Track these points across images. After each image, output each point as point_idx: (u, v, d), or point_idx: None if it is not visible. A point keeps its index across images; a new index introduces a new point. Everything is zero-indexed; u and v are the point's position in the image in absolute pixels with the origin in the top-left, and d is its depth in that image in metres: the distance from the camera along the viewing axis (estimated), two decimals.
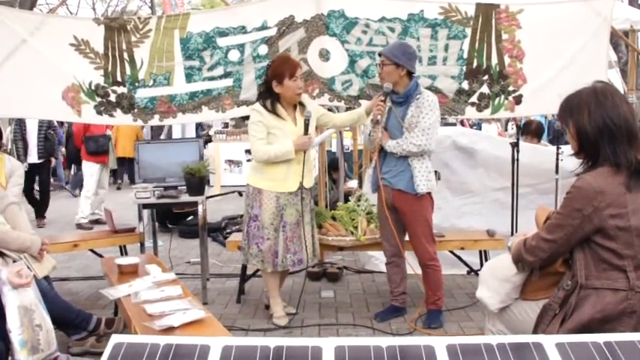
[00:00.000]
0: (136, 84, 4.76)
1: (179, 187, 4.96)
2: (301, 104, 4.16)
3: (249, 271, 4.81)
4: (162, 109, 4.81)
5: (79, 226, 8.23)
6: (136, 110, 4.80)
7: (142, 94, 4.78)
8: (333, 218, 4.70)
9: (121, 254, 4.92)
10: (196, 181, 4.73)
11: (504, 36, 4.62)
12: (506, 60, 4.66)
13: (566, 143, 4.48)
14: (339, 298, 4.82)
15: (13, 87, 4.64)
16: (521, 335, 1.87)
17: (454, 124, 9.96)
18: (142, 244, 4.89)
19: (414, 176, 3.99)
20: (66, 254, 5.69)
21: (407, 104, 4.01)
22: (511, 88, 4.68)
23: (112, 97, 4.77)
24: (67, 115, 4.85)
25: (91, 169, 8.31)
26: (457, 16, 4.60)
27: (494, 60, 4.65)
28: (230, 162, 11.82)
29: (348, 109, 4.98)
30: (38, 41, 4.64)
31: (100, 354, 1.69)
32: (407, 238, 4.24)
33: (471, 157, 5.28)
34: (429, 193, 4.08)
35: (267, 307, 4.42)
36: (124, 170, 12.39)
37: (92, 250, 5.08)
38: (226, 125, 14.69)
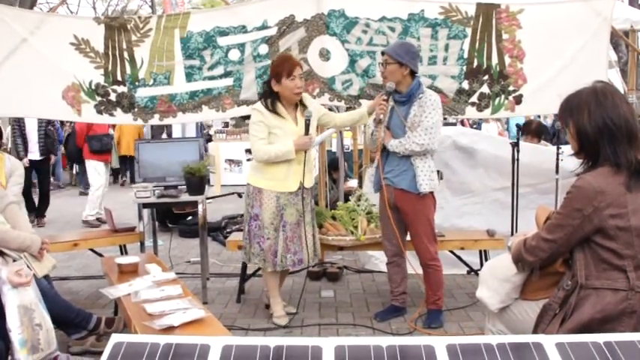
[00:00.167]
0: (136, 83, 4.76)
1: (179, 187, 4.96)
2: (303, 104, 4.15)
3: (249, 271, 4.81)
4: (163, 108, 4.81)
5: (86, 222, 8.28)
6: (136, 109, 4.80)
7: (142, 94, 4.78)
8: (333, 218, 4.70)
9: (121, 253, 4.92)
10: (196, 181, 4.73)
11: (505, 36, 4.62)
12: (507, 60, 4.66)
13: (566, 143, 4.49)
14: (339, 298, 4.82)
15: (13, 86, 4.64)
16: (521, 335, 1.87)
17: (454, 124, 9.96)
18: (142, 244, 4.89)
19: (416, 176, 3.99)
20: (66, 253, 5.69)
21: (410, 103, 4.00)
22: (511, 88, 4.68)
23: (112, 97, 4.77)
24: (68, 115, 4.85)
25: (96, 168, 8.39)
26: (457, 15, 4.60)
27: (495, 60, 4.65)
28: (230, 161, 11.83)
29: (348, 108, 4.98)
30: (38, 40, 4.64)
31: (100, 353, 1.69)
32: (408, 237, 4.24)
33: (471, 156, 5.28)
34: (432, 193, 4.08)
35: (267, 306, 4.42)
36: (127, 168, 12.43)
37: (92, 250, 5.09)
38: (226, 125, 14.70)
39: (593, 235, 2.23)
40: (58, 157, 13.00)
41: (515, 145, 4.84)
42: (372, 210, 4.69)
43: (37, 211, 8.52)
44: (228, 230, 7.03)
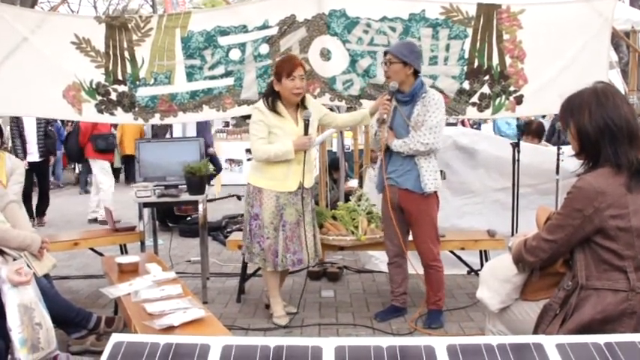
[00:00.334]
0: (137, 83, 4.76)
1: (179, 186, 4.96)
2: (304, 106, 4.15)
3: (249, 270, 4.81)
4: (163, 107, 4.81)
5: (96, 220, 8.33)
6: (136, 109, 4.80)
7: (142, 93, 4.78)
8: (334, 218, 4.70)
9: (121, 253, 4.92)
10: (197, 180, 4.73)
11: (505, 36, 4.62)
12: (508, 60, 4.66)
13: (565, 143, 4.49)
14: (339, 298, 4.82)
15: (13, 85, 4.64)
16: (522, 336, 1.87)
17: (455, 124, 9.96)
18: (143, 243, 4.90)
19: (421, 175, 3.98)
20: (66, 252, 5.69)
21: (413, 103, 4.00)
22: (512, 89, 4.68)
23: (113, 96, 4.77)
24: (68, 114, 4.85)
25: (103, 167, 8.44)
26: (458, 16, 4.60)
27: (496, 60, 4.65)
28: (231, 161, 11.84)
29: (348, 108, 4.98)
30: (39, 39, 4.64)
31: (100, 353, 1.69)
32: (410, 238, 4.24)
33: (472, 157, 5.28)
34: (436, 193, 4.08)
35: (268, 306, 4.42)
36: (131, 167, 12.44)
37: (92, 249, 5.09)
38: (227, 124, 14.70)
39: (594, 236, 2.23)
40: (58, 157, 13.06)
41: (516, 146, 4.84)
42: (373, 210, 4.69)
43: (37, 211, 8.51)
44: (228, 230, 7.03)
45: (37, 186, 8.58)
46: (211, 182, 9.90)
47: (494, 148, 5.27)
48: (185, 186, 4.86)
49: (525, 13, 4.59)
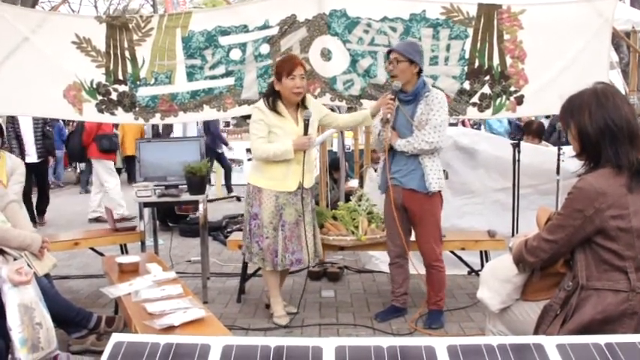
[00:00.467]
0: (138, 82, 4.76)
1: (180, 186, 4.96)
2: (304, 106, 4.15)
3: (249, 270, 4.81)
4: (164, 107, 4.81)
5: (96, 220, 8.35)
6: (137, 109, 4.81)
7: (143, 93, 4.78)
8: (334, 218, 4.70)
9: (122, 253, 4.93)
10: (197, 180, 4.73)
11: (506, 36, 4.62)
12: (508, 60, 4.66)
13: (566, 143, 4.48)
14: (339, 298, 4.81)
15: (14, 85, 4.65)
16: (522, 336, 1.87)
17: (455, 125, 9.96)
18: (143, 243, 4.89)
19: (425, 174, 3.98)
20: (66, 252, 5.69)
21: (416, 102, 3.99)
22: (512, 89, 4.68)
23: (114, 96, 4.77)
24: (69, 114, 4.86)
25: (106, 166, 8.47)
26: (459, 16, 4.60)
27: (496, 60, 4.65)
28: (231, 161, 11.81)
29: (349, 109, 4.99)
30: (40, 39, 4.64)
31: (101, 352, 1.69)
32: (412, 238, 4.23)
33: (472, 157, 5.28)
34: (439, 192, 4.07)
35: (268, 306, 4.42)
36: (132, 167, 12.46)
37: (93, 249, 5.09)
38: (227, 124, 14.70)
39: (594, 236, 2.23)
40: (60, 156, 13.06)
41: (516, 146, 4.84)
42: (373, 210, 4.69)
43: (37, 210, 8.49)
44: (228, 230, 7.03)
45: (36, 186, 8.55)
46: (212, 182, 9.93)
47: (494, 149, 5.27)
48: (185, 186, 4.86)
49: (526, 13, 4.59)
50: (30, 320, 2.93)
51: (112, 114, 4.83)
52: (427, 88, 4.02)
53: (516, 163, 4.81)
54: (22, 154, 7.61)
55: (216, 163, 10.32)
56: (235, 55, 4.74)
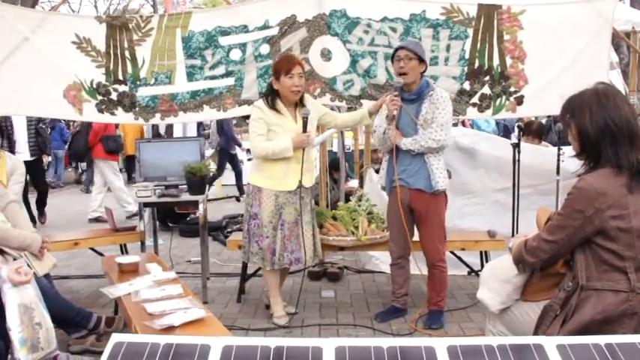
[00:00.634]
0: (138, 82, 4.76)
1: (180, 186, 4.96)
2: (303, 104, 4.16)
3: (249, 271, 4.81)
4: (164, 107, 4.81)
5: (97, 220, 8.37)
6: (137, 109, 4.80)
7: (143, 93, 4.78)
8: (334, 218, 4.70)
9: (122, 253, 4.93)
10: (197, 180, 4.73)
11: (506, 37, 4.61)
12: (508, 61, 4.65)
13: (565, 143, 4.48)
14: (339, 298, 4.81)
15: (14, 85, 4.64)
16: (522, 336, 1.87)
17: (455, 125, 9.96)
18: (143, 243, 4.89)
19: (432, 173, 3.98)
20: (66, 252, 5.69)
21: (420, 101, 3.99)
22: (512, 89, 4.68)
23: (114, 96, 4.77)
24: (69, 114, 4.85)
25: (112, 166, 8.51)
26: (459, 16, 4.60)
27: (496, 61, 4.65)
28: None
29: (349, 109, 4.98)
30: (40, 39, 4.64)
31: (100, 353, 1.69)
32: (414, 238, 4.23)
33: (472, 157, 5.28)
34: (444, 191, 4.08)
35: (268, 306, 4.42)
36: (133, 167, 12.47)
37: (92, 249, 5.09)
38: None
39: (594, 237, 2.23)
40: (61, 156, 13.07)
41: (516, 146, 4.84)
42: (373, 210, 4.69)
43: (37, 207, 8.44)
44: (228, 230, 7.03)
45: (32, 185, 8.45)
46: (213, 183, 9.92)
47: (494, 149, 5.26)
48: (185, 186, 4.86)
49: (526, 13, 4.59)
50: (30, 320, 2.93)
51: (112, 114, 4.83)
52: (431, 87, 4.04)
53: (516, 163, 4.81)
54: (12, 153, 7.56)
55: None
56: (235, 55, 4.74)
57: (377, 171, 5.89)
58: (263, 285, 4.72)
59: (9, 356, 2.92)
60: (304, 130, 4.06)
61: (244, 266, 4.70)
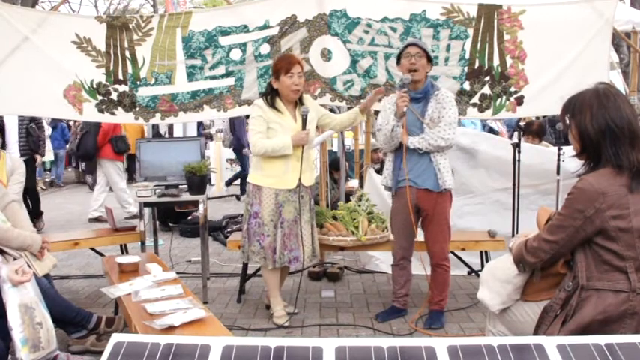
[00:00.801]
0: (138, 82, 4.76)
1: (180, 186, 4.96)
2: (302, 103, 4.18)
3: (249, 271, 4.81)
4: (164, 107, 4.81)
5: (97, 220, 8.36)
6: (137, 109, 4.81)
7: (143, 93, 4.78)
8: (334, 218, 4.70)
9: (122, 253, 4.92)
10: (197, 180, 4.73)
11: (506, 37, 4.62)
12: (508, 61, 4.66)
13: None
14: (339, 298, 4.81)
15: (14, 85, 4.65)
16: (522, 336, 1.87)
17: None
18: (143, 243, 4.89)
19: (439, 172, 3.98)
20: (66, 252, 5.69)
21: (425, 100, 4.00)
22: (513, 89, 4.69)
23: (114, 96, 4.78)
24: (69, 113, 4.86)
25: (118, 167, 8.53)
26: (459, 16, 4.60)
27: (496, 61, 4.65)
28: (231, 161, 11.81)
29: (349, 109, 4.98)
30: (40, 39, 4.64)
31: (100, 352, 1.69)
32: (417, 238, 4.23)
33: (473, 157, 5.28)
34: (450, 190, 4.09)
35: (268, 306, 4.42)
36: (134, 167, 12.48)
37: (93, 249, 5.08)
38: None
39: (595, 237, 2.23)
40: (61, 156, 13.07)
41: (517, 146, 4.84)
42: (373, 210, 4.69)
43: (31, 215, 8.33)
44: (228, 230, 7.03)
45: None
46: (214, 183, 9.92)
47: (494, 149, 5.27)
48: (186, 186, 4.86)
49: (526, 13, 4.59)
50: (31, 320, 2.93)
51: (112, 114, 4.83)
52: (436, 87, 4.06)
53: (516, 163, 4.81)
54: None
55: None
56: (235, 55, 4.74)
57: (377, 171, 5.89)
58: (263, 285, 4.72)
59: (10, 356, 2.92)
60: (303, 127, 4.07)
61: (244, 266, 4.70)
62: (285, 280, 4.56)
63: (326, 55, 4.75)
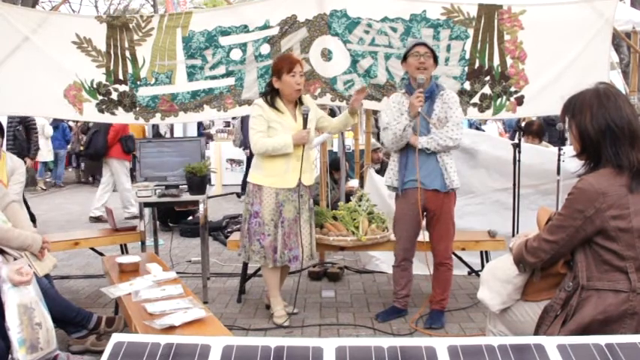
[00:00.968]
0: (138, 82, 4.76)
1: (180, 186, 4.96)
2: (302, 102, 4.18)
3: (249, 271, 4.81)
4: (164, 107, 4.81)
5: (98, 219, 8.36)
6: (137, 109, 4.81)
7: (143, 93, 4.78)
8: (335, 218, 4.70)
9: (122, 253, 4.92)
10: (198, 180, 4.73)
11: (506, 37, 4.62)
12: (508, 61, 4.66)
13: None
14: (339, 298, 4.81)
15: (14, 85, 4.65)
16: (523, 336, 1.87)
17: None
18: (143, 243, 4.89)
19: (447, 172, 4.00)
20: (66, 252, 5.68)
21: (431, 100, 4.00)
22: (513, 89, 4.69)
23: (114, 96, 4.78)
24: (69, 113, 4.86)
25: (126, 167, 8.55)
26: (459, 16, 4.60)
27: (496, 61, 4.65)
28: (231, 161, 11.82)
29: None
30: (40, 39, 4.64)
31: (101, 352, 1.69)
32: (419, 238, 4.23)
33: (473, 157, 5.28)
34: (454, 190, 4.10)
35: (268, 306, 4.42)
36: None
37: (93, 249, 5.08)
38: (228, 124, 14.70)
39: (595, 237, 2.23)
40: (62, 155, 13.08)
41: (517, 146, 4.84)
42: (374, 210, 4.69)
43: None
44: (229, 230, 7.03)
45: None
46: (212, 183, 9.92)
47: (495, 149, 5.26)
48: (186, 186, 4.86)
49: (526, 13, 4.59)
50: (29, 320, 2.93)
51: (113, 114, 4.84)
52: (441, 87, 4.08)
53: (517, 163, 4.81)
54: None
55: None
56: (236, 55, 4.74)
57: (377, 171, 5.89)
58: (263, 285, 4.72)
59: (9, 356, 2.92)
60: (304, 126, 4.08)
61: (244, 266, 4.70)
62: (285, 280, 4.56)
63: (326, 55, 4.75)
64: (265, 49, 4.74)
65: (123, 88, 4.77)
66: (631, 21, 6.21)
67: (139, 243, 4.91)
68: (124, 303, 3.10)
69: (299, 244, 4.16)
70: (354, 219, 4.60)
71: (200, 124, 11.69)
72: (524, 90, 4.68)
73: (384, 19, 4.64)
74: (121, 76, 4.76)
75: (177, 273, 3.84)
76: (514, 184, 4.84)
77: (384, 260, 5.34)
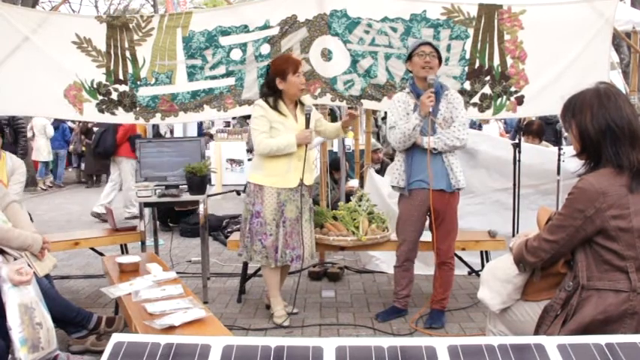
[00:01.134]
0: (138, 82, 4.76)
1: (180, 186, 4.96)
2: (301, 103, 4.19)
3: (250, 271, 4.81)
4: (164, 107, 4.82)
5: (98, 216, 8.37)
6: (137, 108, 4.81)
7: (143, 93, 4.78)
8: (335, 218, 4.70)
9: (122, 253, 4.92)
10: (198, 180, 4.73)
11: (507, 37, 4.62)
12: (509, 61, 4.66)
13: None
14: (339, 298, 4.81)
15: (14, 85, 4.65)
16: (523, 336, 1.87)
17: None
18: (143, 243, 4.89)
19: (453, 172, 4.01)
20: (66, 252, 5.68)
21: (436, 100, 4.00)
22: (513, 89, 4.69)
23: (114, 96, 4.78)
24: (69, 113, 4.87)
25: (133, 166, 8.48)
26: (459, 16, 4.60)
27: (497, 60, 4.65)
28: (232, 161, 11.82)
29: (349, 109, 4.98)
30: (40, 39, 4.65)
31: (101, 352, 1.69)
32: (421, 238, 4.23)
33: (473, 157, 5.27)
34: (460, 189, 4.11)
35: (268, 306, 4.42)
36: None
37: (93, 249, 5.08)
38: (228, 124, 14.70)
39: (595, 236, 2.23)
40: (62, 155, 13.09)
41: (517, 146, 4.84)
42: (374, 210, 4.69)
43: None
44: (229, 230, 7.03)
45: None
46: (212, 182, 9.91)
47: (495, 149, 5.27)
48: (186, 186, 4.86)
49: (526, 13, 4.59)
50: (30, 320, 2.93)
51: (113, 114, 4.84)
52: (445, 87, 4.09)
53: (517, 163, 4.81)
54: None
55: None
56: (236, 55, 4.75)
57: (377, 171, 5.89)
58: (263, 285, 4.72)
59: (9, 356, 2.92)
60: (307, 126, 4.08)
61: (245, 266, 4.71)
62: (285, 280, 4.56)
63: (326, 55, 4.75)
64: (265, 49, 4.74)
65: (123, 88, 4.77)
66: (631, 21, 6.21)
67: (139, 243, 4.91)
68: (124, 303, 3.10)
69: (301, 244, 4.16)
70: (354, 219, 4.60)
71: (200, 124, 11.70)
72: (524, 90, 4.68)
73: (384, 19, 4.64)
74: (121, 76, 4.76)
75: (178, 273, 3.84)
76: (514, 184, 4.84)
77: (384, 260, 5.34)
